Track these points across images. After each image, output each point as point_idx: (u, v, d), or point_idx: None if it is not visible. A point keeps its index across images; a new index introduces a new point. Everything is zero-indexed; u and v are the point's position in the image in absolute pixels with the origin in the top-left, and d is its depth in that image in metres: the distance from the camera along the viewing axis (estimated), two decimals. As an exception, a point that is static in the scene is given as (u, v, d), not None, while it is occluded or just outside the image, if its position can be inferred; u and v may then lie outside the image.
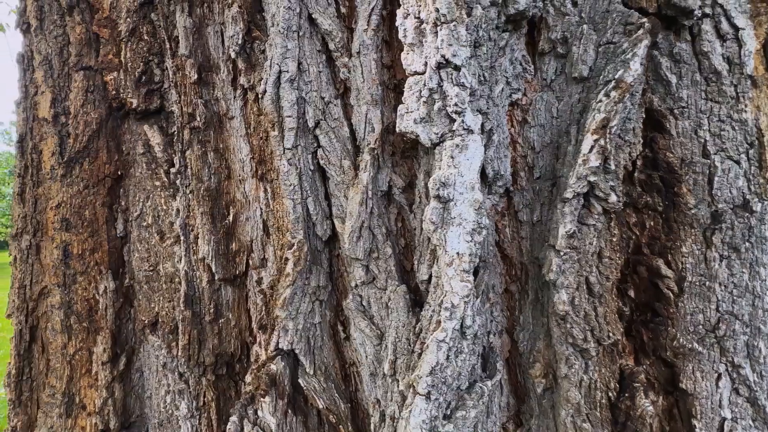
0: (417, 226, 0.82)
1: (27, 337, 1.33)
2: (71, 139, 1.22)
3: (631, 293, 0.82)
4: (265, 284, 0.93)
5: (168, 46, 1.08)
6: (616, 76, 0.74)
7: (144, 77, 1.22)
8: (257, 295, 0.97)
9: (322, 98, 0.86)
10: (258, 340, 0.96)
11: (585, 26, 0.78)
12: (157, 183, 1.20)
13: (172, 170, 1.16)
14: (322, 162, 0.87)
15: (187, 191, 1.07)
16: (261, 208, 0.96)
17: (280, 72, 0.86)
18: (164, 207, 1.18)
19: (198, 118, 1.01)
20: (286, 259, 0.84)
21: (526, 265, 0.83)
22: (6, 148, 19.70)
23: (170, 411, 1.16)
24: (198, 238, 1.01)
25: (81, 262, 1.21)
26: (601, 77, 0.76)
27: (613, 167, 0.74)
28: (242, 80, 0.97)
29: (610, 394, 0.77)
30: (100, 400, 1.18)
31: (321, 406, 0.84)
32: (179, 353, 1.01)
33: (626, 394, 0.78)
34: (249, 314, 1.00)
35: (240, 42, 0.92)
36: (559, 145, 0.80)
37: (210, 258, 0.98)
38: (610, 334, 0.76)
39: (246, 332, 1.00)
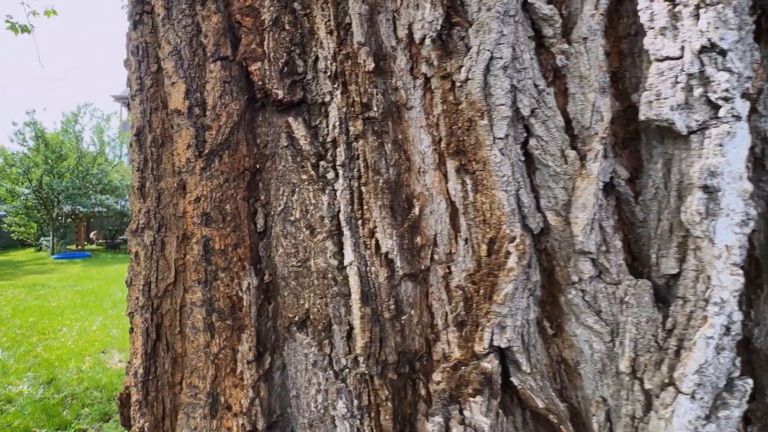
0: (652, 218, 0.77)
1: (153, 336, 1.26)
2: (213, 131, 1.15)
3: None
4: (459, 279, 0.87)
5: (335, 34, 1.01)
6: None
7: (286, 68, 1.15)
8: (444, 290, 0.91)
9: (536, 86, 0.81)
10: (445, 338, 0.90)
11: (834, 10, 0.73)
12: (304, 176, 1.13)
13: (323, 163, 1.10)
14: (536, 152, 0.81)
15: (354, 184, 1.00)
16: (447, 201, 0.91)
17: (491, 58, 0.80)
18: (313, 201, 1.12)
19: (375, 108, 0.95)
20: (508, 253, 0.78)
21: (758, 258, 0.78)
22: (19, 149, 19.31)
23: (321, 410, 1.10)
24: (375, 232, 0.95)
25: (223, 258, 1.15)
26: None
27: None
28: (424, 68, 0.92)
29: None
30: (247, 400, 1.12)
31: (540, 406, 0.79)
32: (357, 352, 0.95)
33: None
34: (431, 310, 0.94)
35: (438, 28, 0.86)
36: (800, 135, 0.75)
37: (395, 253, 0.91)
38: None
39: (428, 329, 0.94)
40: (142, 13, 1.37)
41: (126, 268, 1.37)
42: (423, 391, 0.95)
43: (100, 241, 22.00)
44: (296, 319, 1.12)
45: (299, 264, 1.12)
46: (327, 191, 1.11)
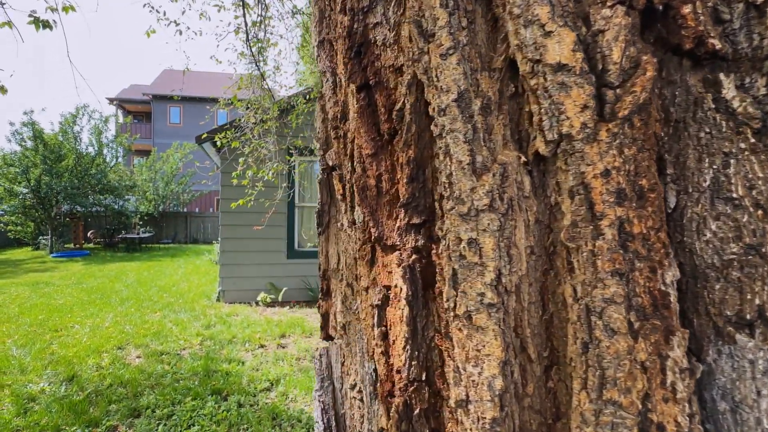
0: None
1: (510, 340, 0.96)
2: (637, 89, 0.86)
3: None
4: None
5: None
6: None
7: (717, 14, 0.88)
8: None
9: None
10: None
11: None
12: (743, 145, 0.86)
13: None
14: None
15: None
16: None
17: None
18: (760, 174, 0.85)
19: None
20: None
21: None
22: (18, 149, 17.80)
23: None
24: None
25: (643, 244, 0.86)
26: None
27: None
28: None
29: None
30: (685, 417, 0.83)
31: None
32: None
33: None
34: None
35: None
36: None
37: None
38: None
39: None
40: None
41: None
42: None
43: (98, 239, 20.76)
44: (745, 317, 0.85)
45: (745, 250, 0.85)
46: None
